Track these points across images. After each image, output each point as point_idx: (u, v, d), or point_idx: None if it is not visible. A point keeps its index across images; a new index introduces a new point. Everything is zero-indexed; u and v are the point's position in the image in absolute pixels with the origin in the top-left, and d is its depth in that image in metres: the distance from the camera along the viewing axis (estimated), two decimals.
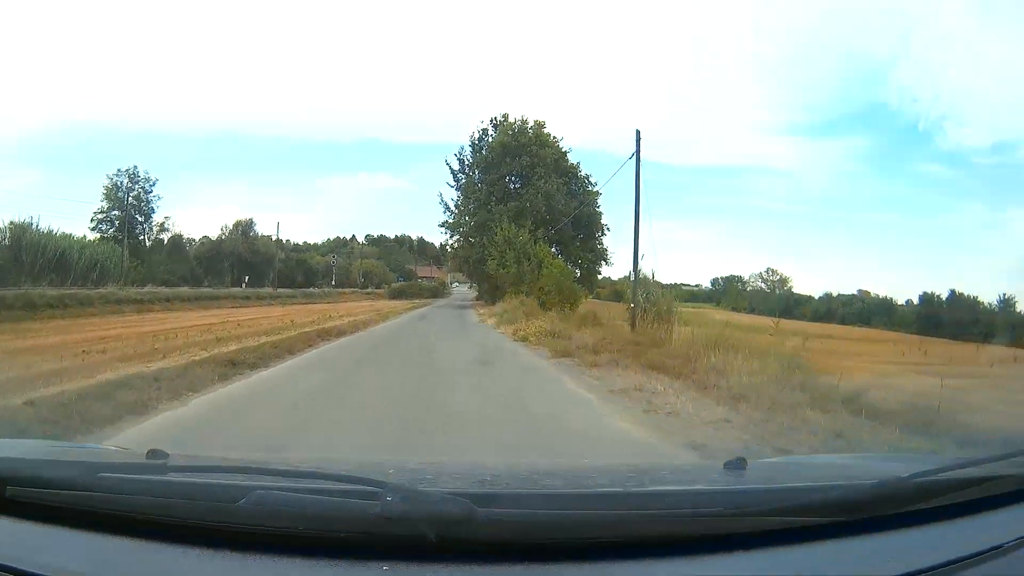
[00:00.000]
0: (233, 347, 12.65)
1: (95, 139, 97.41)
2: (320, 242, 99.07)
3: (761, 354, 10.60)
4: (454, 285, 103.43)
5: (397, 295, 72.79)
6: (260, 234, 75.63)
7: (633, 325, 16.66)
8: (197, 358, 11.05)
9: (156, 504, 1.29)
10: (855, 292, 68.69)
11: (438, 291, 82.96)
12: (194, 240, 72.07)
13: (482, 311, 35.87)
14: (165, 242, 69.75)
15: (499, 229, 36.28)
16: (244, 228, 76.51)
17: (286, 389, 9.48)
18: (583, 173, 43.24)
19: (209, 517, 1.26)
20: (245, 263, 73.45)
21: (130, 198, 64.94)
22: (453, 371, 11.45)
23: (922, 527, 1.38)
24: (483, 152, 42.82)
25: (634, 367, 11.58)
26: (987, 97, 72.21)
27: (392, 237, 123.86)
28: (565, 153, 42.84)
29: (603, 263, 42.97)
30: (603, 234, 43.18)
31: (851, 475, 1.88)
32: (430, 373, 11.25)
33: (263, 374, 10.68)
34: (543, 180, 39.57)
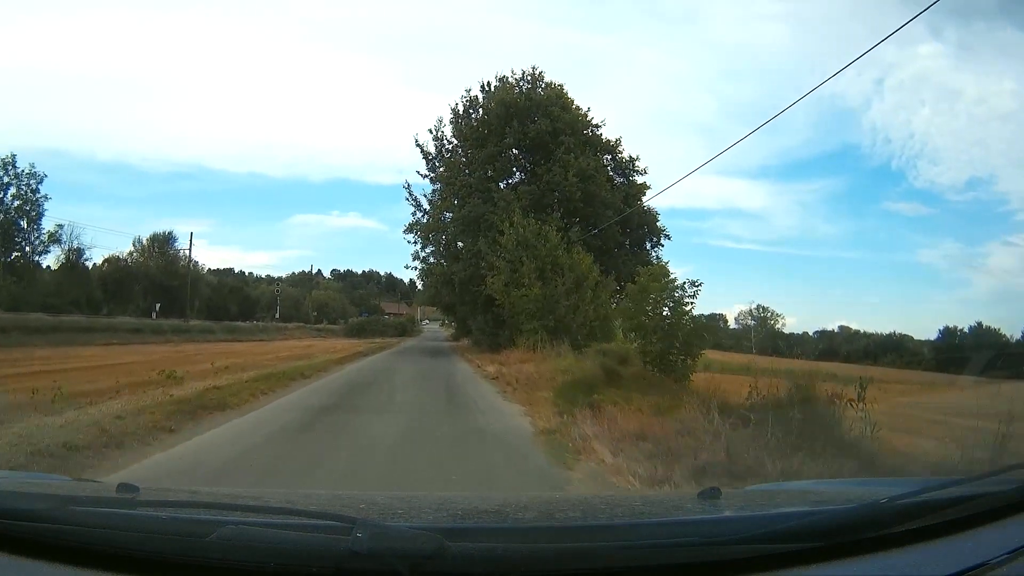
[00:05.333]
0: None
1: (59, 167, 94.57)
2: (284, 276, 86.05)
3: None
4: (424, 322, 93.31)
5: (355, 332, 60.46)
6: (188, 255, 59.69)
7: None
8: None
9: (126, 538, 1.26)
10: (836, 328, 65.13)
11: (405, 328, 71.46)
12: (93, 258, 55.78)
13: (487, 367, 19.20)
14: (62, 258, 54.02)
15: (506, 226, 21.52)
16: (161, 244, 60.65)
17: None
18: (626, 154, 28.68)
19: (179, 552, 1.23)
20: (161, 288, 57.78)
21: (7, 196, 48.99)
22: None
23: (904, 549, 1.34)
24: (473, 122, 28.08)
25: None
26: (960, 135, 72.85)
27: (359, 272, 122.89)
28: (597, 126, 28.38)
29: None
30: (660, 243, 28.52)
31: (827, 500, 1.86)
32: None
33: None
34: (573, 154, 24.94)
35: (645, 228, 27.94)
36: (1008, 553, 1.28)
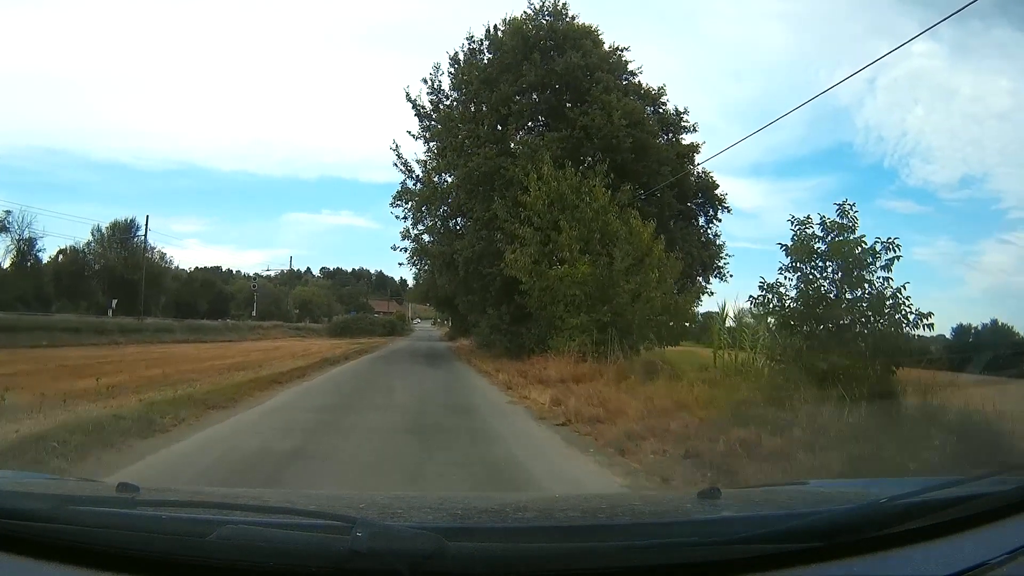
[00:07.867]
0: None
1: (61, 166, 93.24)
2: (273, 274, 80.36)
3: None
4: (415, 321, 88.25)
5: (338, 331, 54.74)
6: (144, 243, 53.19)
7: None
8: None
9: (125, 538, 1.23)
10: None
11: (395, 326, 65.87)
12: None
13: (527, 391, 11.79)
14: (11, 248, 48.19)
15: (532, 180, 15.40)
16: (122, 234, 54.31)
17: None
18: (673, 107, 22.58)
19: (178, 552, 1.20)
20: (121, 282, 51.59)
21: None
22: None
23: (904, 549, 1.31)
24: (481, 63, 21.94)
25: None
26: (954, 133, 71.09)
27: (349, 270, 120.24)
28: (634, 73, 22.32)
29: (710, 274, 22.08)
30: (717, 217, 22.44)
31: (827, 500, 1.82)
32: None
33: None
34: (614, 95, 18.82)
35: (700, 196, 21.90)
36: (1008, 553, 1.26)
